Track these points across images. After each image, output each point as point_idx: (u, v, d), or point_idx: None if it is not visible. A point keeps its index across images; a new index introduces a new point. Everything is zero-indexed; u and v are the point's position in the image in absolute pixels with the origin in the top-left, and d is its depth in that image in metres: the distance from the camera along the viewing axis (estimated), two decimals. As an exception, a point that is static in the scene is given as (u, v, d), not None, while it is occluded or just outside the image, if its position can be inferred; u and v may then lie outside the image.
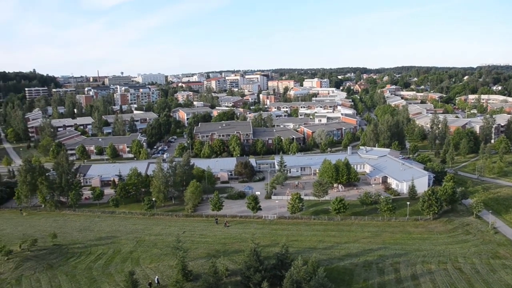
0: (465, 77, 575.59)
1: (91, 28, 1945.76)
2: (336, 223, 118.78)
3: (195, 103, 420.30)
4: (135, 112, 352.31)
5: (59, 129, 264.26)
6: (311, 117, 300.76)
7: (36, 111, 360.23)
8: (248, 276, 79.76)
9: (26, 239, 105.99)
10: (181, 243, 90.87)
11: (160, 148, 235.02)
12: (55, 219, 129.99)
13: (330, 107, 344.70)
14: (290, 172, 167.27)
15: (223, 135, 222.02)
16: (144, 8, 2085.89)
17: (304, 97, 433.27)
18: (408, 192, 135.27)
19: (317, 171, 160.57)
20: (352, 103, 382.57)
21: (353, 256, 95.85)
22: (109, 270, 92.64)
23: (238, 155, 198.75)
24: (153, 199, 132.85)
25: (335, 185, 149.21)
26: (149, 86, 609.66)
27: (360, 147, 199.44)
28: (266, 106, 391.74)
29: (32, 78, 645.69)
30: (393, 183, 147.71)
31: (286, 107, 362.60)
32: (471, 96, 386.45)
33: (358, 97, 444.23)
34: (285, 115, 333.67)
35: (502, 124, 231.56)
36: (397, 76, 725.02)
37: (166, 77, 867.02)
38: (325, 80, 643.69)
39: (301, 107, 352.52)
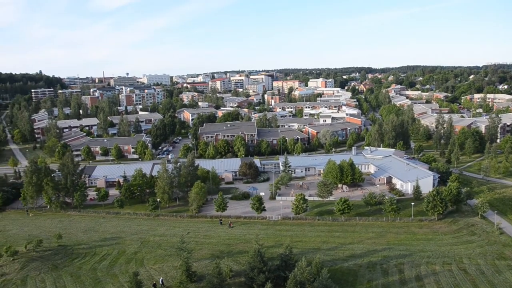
0: (471, 76, 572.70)
1: (96, 29, 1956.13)
2: (341, 223, 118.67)
3: (200, 103, 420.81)
4: (140, 113, 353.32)
5: (64, 130, 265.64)
6: (315, 117, 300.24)
7: (42, 112, 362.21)
8: (252, 277, 79.92)
9: (32, 240, 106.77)
10: (185, 244, 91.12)
11: (165, 149, 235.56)
12: (60, 220, 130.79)
13: (335, 107, 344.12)
14: (294, 172, 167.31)
15: (227, 136, 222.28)
16: (149, 9, 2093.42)
17: (309, 97, 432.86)
18: (413, 192, 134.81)
19: (322, 171, 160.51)
20: (357, 103, 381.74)
21: (357, 257, 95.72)
22: (114, 271, 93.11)
23: (243, 155, 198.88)
24: (158, 200, 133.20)
25: (339, 185, 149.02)
26: (154, 87, 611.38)
27: (365, 147, 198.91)
28: (271, 107, 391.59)
29: (39, 80, 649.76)
30: (398, 183, 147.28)
31: (291, 107, 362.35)
32: (476, 96, 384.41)
33: (363, 97, 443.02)
34: (290, 116, 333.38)
35: (508, 124, 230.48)
36: (402, 75, 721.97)
37: (171, 77, 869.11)
38: (330, 80, 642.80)
39: (306, 107, 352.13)
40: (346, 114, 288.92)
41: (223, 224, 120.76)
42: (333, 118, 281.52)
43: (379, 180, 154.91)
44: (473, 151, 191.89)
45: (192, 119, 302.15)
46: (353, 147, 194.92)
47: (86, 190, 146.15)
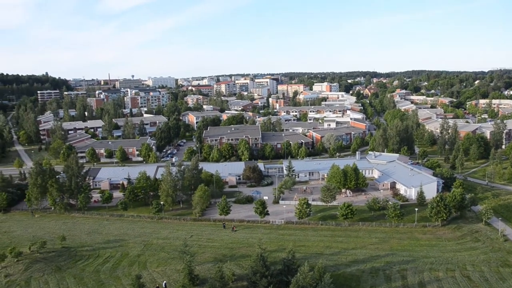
0: (476, 82, 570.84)
1: (103, 31, 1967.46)
2: (344, 228, 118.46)
3: (204, 106, 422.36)
4: (145, 115, 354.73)
5: (69, 132, 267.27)
6: (320, 121, 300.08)
7: (48, 114, 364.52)
8: (254, 281, 79.87)
9: (36, 241, 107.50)
10: (188, 247, 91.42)
11: (169, 151, 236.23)
12: (64, 221, 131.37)
13: (340, 111, 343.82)
14: (298, 177, 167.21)
15: (232, 139, 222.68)
16: (154, 12, 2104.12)
17: (314, 101, 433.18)
18: (417, 198, 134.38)
19: (325, 176, 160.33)
20: (362, 107, 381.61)
21: (360, 263, 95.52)
22: (117, 273, 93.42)
23: (247, 159, 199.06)
24: (161, 202, 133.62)
25: (343, 190, 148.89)
26: (159, 90, 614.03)
27: (369, 152, 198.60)
28: (276, 110, 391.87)
29: (45, 81, 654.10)
30: (402, 189, 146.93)
31: (296, 111, 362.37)
32: (482, 101, 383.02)
33: (368, 102, 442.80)
34: (294, 119, 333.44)
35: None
36: (407, 80, 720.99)
37: (176, 80, 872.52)
38: (334, 84, 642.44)
39: (310, 112, 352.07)
40: (351, 119, 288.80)
41: (226, 227, 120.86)
42: (337, 123, 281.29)
43: (383, 185, 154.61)
44: (478, 157, 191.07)
45: (196, 122, 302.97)
46: (357, 152, 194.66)
47: (90, 192, 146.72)
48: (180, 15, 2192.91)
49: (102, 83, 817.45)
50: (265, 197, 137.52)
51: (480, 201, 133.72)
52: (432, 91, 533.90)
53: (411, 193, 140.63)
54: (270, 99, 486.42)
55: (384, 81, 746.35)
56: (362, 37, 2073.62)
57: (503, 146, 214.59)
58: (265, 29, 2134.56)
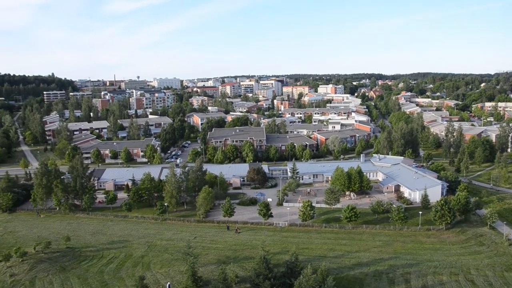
0: (482, 84, 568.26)
1: (109, 32, 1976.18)
2: (347, 231, 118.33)
3: (209, 108, 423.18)
4: (150, 116, 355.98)
5: (75, 132, 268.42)
6: (324, 123, 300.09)
7: (54, 115, 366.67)
8: (257, 283, 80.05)
9: (41, 241, 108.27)
10: (191, 248, 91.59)
11: (173, 153, 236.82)
12: (69, 222, 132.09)
13: (344, 113, 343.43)
14: (302, 179, 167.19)
15: (236, 141, 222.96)
16: (161, 13, 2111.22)
17: (319, 103, 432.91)
18: (421, 201, 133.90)
19: (330, 178, 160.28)
20: (367, 109, 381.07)
21: (364, 266, 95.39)
22: (120, 274, 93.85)
23: (251, 161, 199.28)
24: (166, 204, 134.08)
25: (347, 193, 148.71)
26: (164, 91, 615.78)
27: (374, 154, 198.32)
28: (280, 112, 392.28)
29: (51, 82, 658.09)
30: (406, 191, 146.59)
31: (300, 113, 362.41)
32: (487, 104, 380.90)
33: (373, 104, 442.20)
34: (299, 121, 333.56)
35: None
36: (413, 82, 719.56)
37: (182, 81, 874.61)
38: (339, 86, 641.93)
39: (315, 114, 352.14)
40: (355, 121, 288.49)
41: (230, 229, 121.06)
42: (342, 125, 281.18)
43: (387, 188, 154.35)
44: (483, 160, 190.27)
45: (201, 124, 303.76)
46: (361, 155, 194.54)
47: (95, 193, 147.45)
48: (185, 17, 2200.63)
49: (107, 84, 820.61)
50: (269, 199, 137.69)
51: (485, 204, 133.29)
52: (438, 93, 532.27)
53: (415, 196, 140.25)
54: (275, 101, 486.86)
55: (390, 83, 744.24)
56: (367, 39, 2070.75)
57: (509, 150, 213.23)
58: (270, 31, 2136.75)
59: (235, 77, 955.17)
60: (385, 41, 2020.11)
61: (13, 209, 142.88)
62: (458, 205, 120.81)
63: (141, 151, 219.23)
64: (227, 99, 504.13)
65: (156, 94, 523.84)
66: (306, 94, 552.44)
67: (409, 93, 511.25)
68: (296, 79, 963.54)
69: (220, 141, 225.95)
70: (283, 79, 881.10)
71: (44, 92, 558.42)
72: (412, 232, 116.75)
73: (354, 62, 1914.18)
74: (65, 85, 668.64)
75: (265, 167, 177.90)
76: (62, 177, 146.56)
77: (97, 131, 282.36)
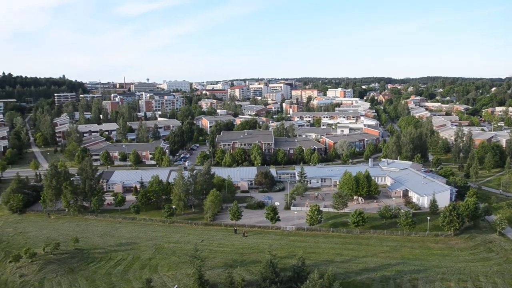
0: (493, 89, 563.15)
1: (119, 35, 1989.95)
2: (355, 236, 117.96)
3: (218, 111, 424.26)
4: (159, 119, 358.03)
5: (85, 134, 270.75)
6: (333, 127, 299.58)
7: (64, 116, 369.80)
8: (264, 287, 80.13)
9: (50, 243, 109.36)
10: (199, 251, 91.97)
11: (182, 155, 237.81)
12: (77, 223, 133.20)
13: (353, 117, 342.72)
14: (310, 183, 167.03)
15: (244, 144, 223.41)
16: (170, 16, 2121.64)
17: (327, 107, 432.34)
18: (429, 206, 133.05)
19: (338, 182, 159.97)
20: (376, 113, 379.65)
21: (371, 271, 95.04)
22: (128, 276, 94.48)
23: (259, 164, 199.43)
24: (173, 206, 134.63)
25: (355, 197, 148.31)
26: (174, 93, 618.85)
27: (382, 159, 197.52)
28: (289, 115, 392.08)
29: (62, 84, 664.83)
30: (414, 197, 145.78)
31: (309, 117, 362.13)
32: (498, 108, 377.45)
33: (382, 108, 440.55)
34: (307, 125, 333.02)
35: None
36: (422, 86, 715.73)
37: (191, 84, 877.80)
38: (349, 90, 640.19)
39: (324, 117, 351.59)
40: (364, 125, 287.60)
41: (238, 233, 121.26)
42: (350, 129, 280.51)
43: (395, 193, 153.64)
44: (493, 166, 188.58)
45: (210, 127, 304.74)
46: (370, 159, 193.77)
47: (104, 195, 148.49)
48: (195, 20, 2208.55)
49: (117, 86, 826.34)
50: (277, 203, 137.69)
51: (495, 210, 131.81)
52: (448, 98, 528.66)
53: (424, 202, 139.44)
54: (284, 104, 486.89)
55: (399, 87, 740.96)
56: (377, 43, 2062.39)
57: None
58: (280, 35, 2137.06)
59: (244, 80, 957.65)
60: (395, 45, 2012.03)
61: (23, 210, 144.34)
62: (467, 211, 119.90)
63: (150, 154, 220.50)
64: (236, 102, 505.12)
65: (166, 97, 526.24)
66: (315, 97, 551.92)
67: (418, 97, 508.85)
68: (305, 82, 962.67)
69: (229, 144, 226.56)
70: (292, 82, 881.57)
71: (55, 94, 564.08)
72: (420, 237, 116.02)
73: (363, 65, 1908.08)
74: (76, 87, 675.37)
75: (273, 170, 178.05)
76: (71, 179, 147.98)
77: (107, 133, 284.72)
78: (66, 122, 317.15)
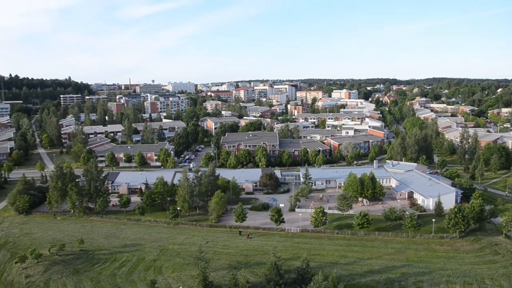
0: (499, 90, 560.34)
1: (125, 36, 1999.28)
2: (360, 238, 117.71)
3: (223, 112, 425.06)
4: (164, 120, 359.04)
5: (90, 136, 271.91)
6: (338, 128, 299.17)
7: (70, 118, 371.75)
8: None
9: (55, 244, 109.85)
10: (203, 253, 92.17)
11: (187, 157, 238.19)
12: (83, 224, 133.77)
13: (358, 119, 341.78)
14: (315, 184, 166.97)
15: (249, 146, 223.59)
16: (176, 18, 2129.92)
17: (332, 108, 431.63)
18: (434, 208, 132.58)
19: (342, 184, 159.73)
20: (381, 115, 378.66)
21: (375, 273, 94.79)
22: (133, 277, 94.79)
23: (264, 166, 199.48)
24: (178, 208, 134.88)
25: (359, 199, 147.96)
26: (179, 95, 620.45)
27: (387, 160, 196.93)
28: (294, 117, 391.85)
29: (67, 85, 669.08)
30: (419, 198, 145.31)
31: (314, 118, 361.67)
32: (504, 110, 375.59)
33: (387, 109, 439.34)
34: (312, 126, 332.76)
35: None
36: (428, 88, 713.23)
37: (196, 85, 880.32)
38: (353, 91, 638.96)
39: (329, 119, 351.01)
40: (369, 127, 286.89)
41: (242, 234, 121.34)
42: (355, 130, 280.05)
43: (400, 195, 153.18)
44: (499, 167, 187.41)
45: (215, 128, 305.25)
46: (374, 160, 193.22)
47: (109, 196, 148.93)
48: (200, 22, 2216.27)
49: (123, 87, 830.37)
50: (281, 205, 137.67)
51: (500, 213, 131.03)
52: (453, 99, 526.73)
53: (429, 203, 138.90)
54: (289, 106, 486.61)
55: (404, 88, 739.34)
56: (382, 44, 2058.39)
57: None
58: (285, 36, 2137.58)
59: (249, 82, 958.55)
60: (400, 46, 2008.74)
61: (29, 211, 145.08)
62: (472, 213, 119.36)
63: (155, 155, 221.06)
64: (240, 103, 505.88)
65: (171, 98, 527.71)
66: (320, 99, 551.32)
67: (423, 99, 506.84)
68: (310, 83, 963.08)
69: (233, 146, 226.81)
70: (297, 83, 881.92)
71: (61, 96, 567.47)
72: (425, 239, 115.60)
73: (368, 67, 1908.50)
74: (81, 88, 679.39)
75: (277, 172, 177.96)
76: (77, 180, 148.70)
77: (112, 134, 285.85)
78: (71, 124, 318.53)
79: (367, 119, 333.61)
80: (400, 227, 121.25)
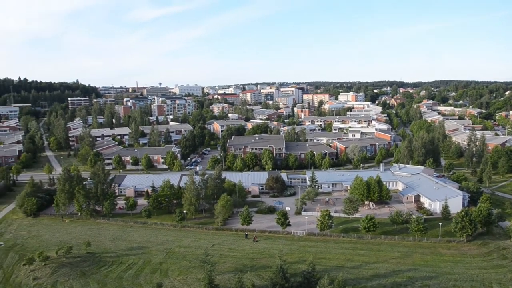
0: (507, 92, 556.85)
1: (132, 39, 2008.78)
2: (366, 241, 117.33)
3: (229, 115, 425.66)
4: (170, 123, 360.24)
5: (97, 138, 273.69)
6: (345, 131, 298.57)
7: (77, 121, 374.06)
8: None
9: (62, 246, 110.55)
10: (209, 256, 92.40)
11: (193, 160, 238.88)
12: (90, 227, 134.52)
13: (365, 121, 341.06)
14: (321, 187, 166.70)
15: (256, 149, 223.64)
16: (183, 21, 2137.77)
17: (339, 111, 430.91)
18: (441, 212, 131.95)
19: (349, 187, 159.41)
20: (387, 118, 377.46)
21: (382, 277, 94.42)
22: (139, 280, 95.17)
23: (270, 169, 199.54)
24: (184, 211, 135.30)
25: (366, 202, 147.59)
26: (186, 98, 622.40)
27: (393, 164, 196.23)
28: (300, 120, 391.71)
29: (75, 88, 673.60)
30: (426, 202, 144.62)
31: (320, 121, 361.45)
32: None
33: (394, 112, 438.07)
34: (319, 129, 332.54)
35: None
36: (435, 90, 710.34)
37: (203, 88, 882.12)
38: (360, 94, 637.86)
39: (335, 121, 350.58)
40: (376, 129, 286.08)
41: (248, 237, 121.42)
42: (362, 133, 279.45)
43: (407, 198, 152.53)
44: (507, 171, 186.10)
45: (221, 131, 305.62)
46: (381, 164, 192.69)
47: (116, 199, 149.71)
48: (207, 24, 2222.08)
49: (130, 90, 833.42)
50: (287, 208, 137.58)
51: (508, 216, 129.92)
52: (460, 101, 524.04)
53: (436, 207, 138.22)
54: (295, 109, 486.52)
55: (411, 91, 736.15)
56: (389, 47, 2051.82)
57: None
58: (292, 38, 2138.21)
59: (256, 84, 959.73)
60: (407, 48, 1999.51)
61: (37, 214, 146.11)
62: (479, 216, 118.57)
63: (162, 158, 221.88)
64: (247, 106, 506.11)
65: (177, 101, 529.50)
66: (327, 101, 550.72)
67: (431, 101, 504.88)
68: (316, 86, 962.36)
69: (240, 149, 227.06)
70: (303, 86, 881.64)
71: (69, 99, 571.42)
72: (431, 243, 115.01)
73: (375, 69, 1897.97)
74: (89, 91, 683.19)
75: (284, 175, 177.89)
76: (84, 183, 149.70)
77: (119, 137, 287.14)
78: (79, 127, 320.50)
79: (373, 122, 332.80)
80: (407, 230, 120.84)
